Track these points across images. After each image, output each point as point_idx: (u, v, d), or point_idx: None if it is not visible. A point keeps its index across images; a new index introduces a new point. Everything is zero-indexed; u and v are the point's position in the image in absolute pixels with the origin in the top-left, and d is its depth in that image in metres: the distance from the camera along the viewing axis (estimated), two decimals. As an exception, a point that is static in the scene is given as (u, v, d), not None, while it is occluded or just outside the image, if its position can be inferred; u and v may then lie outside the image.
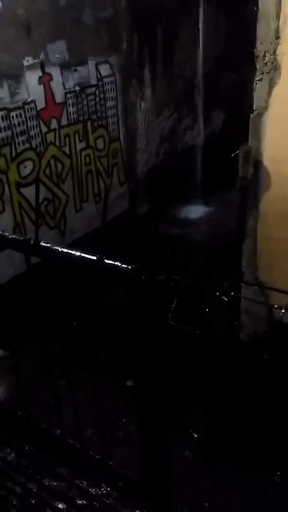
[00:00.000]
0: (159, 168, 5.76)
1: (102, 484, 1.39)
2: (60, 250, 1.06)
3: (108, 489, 1.38)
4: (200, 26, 5.68)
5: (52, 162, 4.39)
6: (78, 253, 1.03)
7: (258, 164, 2.90)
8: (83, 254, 1.03)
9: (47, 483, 1.61)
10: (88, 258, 1.02)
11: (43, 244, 1.10)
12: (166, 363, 1.07)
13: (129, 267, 0.97)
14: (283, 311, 1.17)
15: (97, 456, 1.35)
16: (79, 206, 4.80)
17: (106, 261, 1.00)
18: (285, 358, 2.97)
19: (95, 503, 1.46)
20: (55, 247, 1.08)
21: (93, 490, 1.46)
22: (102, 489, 1.42)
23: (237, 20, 5.96)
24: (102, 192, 5.05)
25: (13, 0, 3.66)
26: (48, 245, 1.10)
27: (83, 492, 1.50)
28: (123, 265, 0.98)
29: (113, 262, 1.00)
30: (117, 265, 0.99)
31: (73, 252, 1.03)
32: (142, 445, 1.18)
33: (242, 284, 3.15)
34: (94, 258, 1.01)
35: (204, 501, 2.02)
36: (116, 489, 1.35)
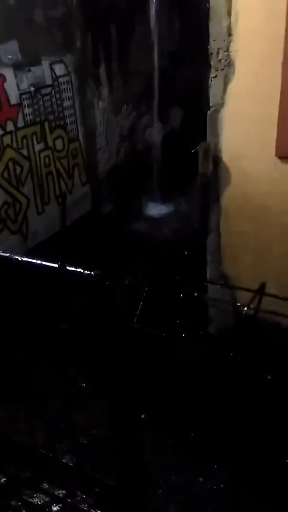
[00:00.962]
0: (121, 167, 5.74)
1: (78, 492, 1.37)
2: (20, 259, 1.03)
3: (84, 496, 1.36)
4: (154, 22, 5.68)
5: (10, 165, 4.29)
6: (39, 261, 1.00)
7: (217, 160, 2.94)
8: (44, 262, 1.01)
9: (22, 496, 1.58)
10: (50, 266, 0.99)
11: (2, 254, 1.07)
12: (135, 367, 1.06)
13: (92, 273, 0.95)
14: (245, 309, 1.19)
15: (70, 464, 1.33)
16: (41, 209, 4.72)
17: (69, 268, 0.98)
18: (254, 350, 3.03)
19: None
20: (14, 257, 1.05)
21: (69, 498, 1.44)
22: (77, 497, 1.40)
23: (191, 16, 6.00)
24: (64, 193, 4.99)
25: None
26: (7, 254, 1.06)
27: (59, 501, 1.48)
28: (86, 272, 0.97)
29: (75, 269, 0.98)
30: (80, 272, 0.97)
31: (34, 261, 1.01)
32: (116, 451, 1.17)
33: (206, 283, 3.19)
34: (56, 265, 0.99)
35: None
36: (92, 495, 1.34)
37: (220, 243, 3.19)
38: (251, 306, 1.25)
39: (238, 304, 1.30)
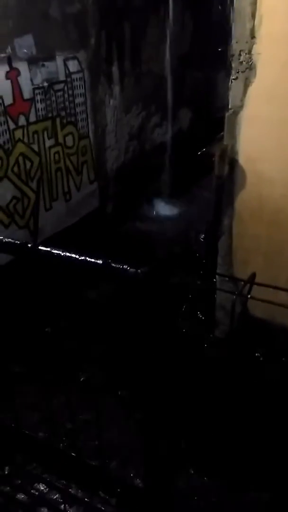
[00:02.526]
0: (129, 166, 5.74)
1: (100, 492, 1.35)
2: (63, 254, 1.01)
3: (107, 497, 1.34)
4: (168, 24, 5.68)
5: (20, 159, 4.27)
6: (82, 258, 0.99)
7: (233, 163, 2.93)
8: (88, 258, 1.00)
9: (42, 494, 1.56)
10: (95, 262, 0.98)
11: (43, 248, 1.05)
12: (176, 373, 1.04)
13: (139, 270, 0.94)
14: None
15: (93, 463, 1.31)
16: (48, 205, 4.71)
17: (113, 265, 0.97)
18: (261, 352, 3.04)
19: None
20: (56, 251, 1.03)
21: (90, 499, 1.42)
22: (99, 498, 1.38)
23: (203, 19, 6.01)
24: (72, 190, 4.97)
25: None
26: (48, 249, 1.05)
27: (79, 502, 1.46)
28: (131, 269, 0.96)
29: (120, 266, 0.97)
30: (126, 268, 0.96)
31: (77, 257, 0.99)
32: (146, 454, 1.16)
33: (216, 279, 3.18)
34: (100, 262, 0.98)
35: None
36: (115, 496, 1.32)
37: (232, 245, 3.19)
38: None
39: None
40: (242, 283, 2.68)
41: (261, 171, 2.90)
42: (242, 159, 2.93)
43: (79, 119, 4.91)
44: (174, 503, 1.22)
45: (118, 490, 1.28)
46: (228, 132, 2.89)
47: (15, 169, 4.21)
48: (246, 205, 3.04)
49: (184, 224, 5.05)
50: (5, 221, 4.22)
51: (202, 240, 3.45)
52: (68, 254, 1.01)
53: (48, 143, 4.56)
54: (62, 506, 1.59)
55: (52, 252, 1.03)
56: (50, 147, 4.60)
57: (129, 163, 5.75)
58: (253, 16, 2.56)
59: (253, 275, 2.79)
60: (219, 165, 2.91)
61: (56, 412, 1.39)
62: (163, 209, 5.73)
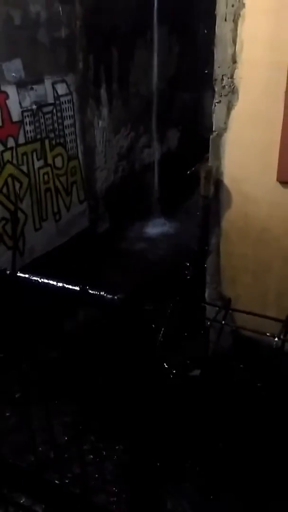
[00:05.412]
0: (118, 186, 5.79)
1: None
2: (41, 281, 1.02)
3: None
4: (154, 46, 5.81)
5: (9, 181, 4.30)
6: (60, 284, 1.00)
7: (219, 183, 2.98)
8: (65, 285, 1.01)
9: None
10: (72, 289, 0.99)
11: (21, 275, 1.06)
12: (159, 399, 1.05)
13: (115, 297, 0.95)
14: (276, 339, 1.19)
15: (77, 491, 1.29)
16: (38, 225, 4.72)
17: (90, 291, 0.98)
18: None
19: None
20: (34, 278, 1.04)
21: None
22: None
23: (189, 42, 6.15)
24: (62, 210, 5.00)
25: None
26: (26, 275, 1.05)
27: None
28: (108, 296, 0.97)
29: (97, 292, 0.98)
30: (102, 295, 0.97)
31: (55, 283, 1.00)
32: (130, 486, 1.15)
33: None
34: (77, 289, 0.99)
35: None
36: None
37: (219, 264, 3.22)
38: (281, 337, 1.26)
39: (268, 334, 1.30)
40: (217, 309, 2.71)
41: (246, 192, 2.94)
42: (227, 179, 2.97)
43: (68, 140, 4.98)
44: None
45: None
46: (213, 153, 2.94)
47: (4, 190, 4.24)
48: (232, 225, 3.08)
49: (173, 243, 5.08)
50: (-5, 242, 4.23)
51: (187, 264, 3.49)
52: (45, 280, 1.02)
53: (37, 164, 4.61)
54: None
55: (30, 279, 1.03)
56: (39, 168, 4.64)
57: (119, 183, 5.80)
58: (234, 42, 2.64)
59: (229, 301, 2.82)
60: (204, 186, 2.95)
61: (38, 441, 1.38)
62: (153, 228, 5.77)
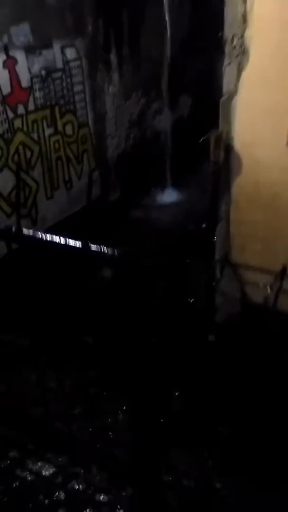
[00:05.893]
0: (130, 153, 5.73)
1: (93, 467, 1.43)
2: (43, 237, 1.05)
3: (99, 471, 1.42)
4: (166, 8, 5.61)
5: (20, 149, 4.30)
6: (62, 240, 1.02)
7: (229, 148, 2.94)
8: (68, 241, 1.03)
9: (40, 469, 1.64)
10: (73, 245, 1.02)
11: (26, 231, 1.10)
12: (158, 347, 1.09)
13: (115, 252, 0.98)
14: (269, 290, 1.21)
15: (85, 440, 1.38)
16: (50, 194, 4.74)
17: (92, 247, 1.00)
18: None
19: (87, 486, 1.50)
20: (37, 234, 1.07)
21: (84, 472, 1.49)
22: (93, 472, 1.46)
23: (202, 3, 5.92)
24: (73, 178, 5.00)
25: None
26: (31, 232, 1.09)
27: (74, 476, 1.53)
28: (108, 251, 0.99)
29: (98, 248, 1.01)
30: (103, 250, 0.99)
31: (57, 239, 1.03)
32: (133, 433, 1.21)
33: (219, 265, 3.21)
34: (79, 244, 1.01)
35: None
36: (107, 471, 1.39)
37: (229, 231, 3.21)
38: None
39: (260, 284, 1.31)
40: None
41: (257, 157, 2.90)
42: (237, 144, 2.93)
43: (78, 107, 4.91)
44: (160, 477, 1.29)
45: (110, 465, 1.36)
46: (223, 117, 2.89)
47: (15, 158, 4.25)
48: (243, 191, 3.05)
49: (185, 211, 5.06)
50: (7, 210, 4.27)
51: (200, 227, 3.48)
52: (49, 237, 1.05)
53: (48, 131, 4.58)
54: (60, 479, 1.68)
55: (34, 236, 1.06)
56: (49, 136, 4.61)
57: (130, 150, 5.74)
58: (244, 0, 2.55)
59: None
60: (214, 151, 2.91)
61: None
62: (165, 196, 5.74)
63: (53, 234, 1.15)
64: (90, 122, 5.10)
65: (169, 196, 5.76)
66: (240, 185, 3.02)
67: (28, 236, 1.07)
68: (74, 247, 1.01)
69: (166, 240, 4.43)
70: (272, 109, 2.72)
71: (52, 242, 1.03)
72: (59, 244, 1.02)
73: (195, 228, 3.87)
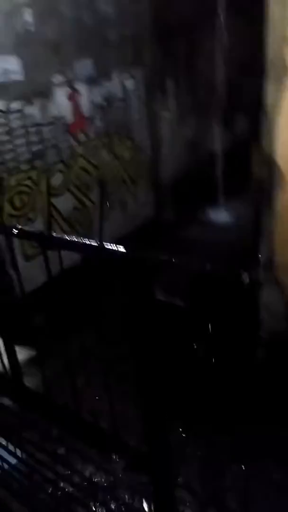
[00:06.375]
0: (184, 175, 5.89)
1: (112, 455, 1.53)
2: (65, 238, 1.20)
3: (118, 459, 1.51)
4: (221, 32, 5.74)
5: (81, 173, 4.61)
6: (81, 241, 1.17)
7: (272, 164, 2.97)
8: (85, 241, 1.17)
9: (62, 455, 1.76)
10: (90, 244, 1.15)
11: (54, 235, 1.26)
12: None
13: (117, 248, 1.10)
14: None
15: (105, 428, 1.48)
16: (106, 214, 4.99)
17: (92, 243, 1.13)
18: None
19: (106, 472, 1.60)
20: (59, 236, 1.22)
21: (103, 460, 1.59)
22: (112, 460, 1.55)
23: (257, 24, 6.00)
24: (129, 200, 5.23)
25: (43, 23, 3.94)
26: (55, 234, 1.25)
27: (95, 462, 1.63)
28: (110, 246, 1.12)
29: (98, 243, 1.13)
30: (104, 245, 1.11)
31: (75, 239, 1.17)
32: (145, 420, 1.30)
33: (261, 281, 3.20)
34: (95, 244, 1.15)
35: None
36: (124, 459, 1.48)
37: (274, 248, 3.20)
38: None
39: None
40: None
41: (300, 172, 2.90)
42: (281, 161, 2.95)
43: (136, 133, 5.19)
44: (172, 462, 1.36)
45: (127, 453, 1.44)
46: (266, 134, 2.95)
47: (76, 182, 4.56)
48: (286, 206, 3.05)
49: (236, 230, 5.06)
50: (67, 230, 4.57)
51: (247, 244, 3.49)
52: (69, 238, 1.18)
53: (107, 157, 4.88)
54: (80, 465, 1.79)
55: (56, 237, 1.20)
56: (108, 161, 4.90)
57: (185, 172, 5.89)
58: (284, 22, 2.63)
59: None
60: (257, 167, 2.96)
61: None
62: (220, 216, 5.77)
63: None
64: (147, 147, 5.33)
65: (223, 215, 5.79)
66: (284, 200, 3.03)
67: (51, 238, 1.22)
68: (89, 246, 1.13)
69: (213, 257, 4.44)
70: (314, 125, 2.73)
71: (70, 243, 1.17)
72: (76, 243, 1.14)
73: (243, 246, 3.88)
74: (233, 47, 5.98)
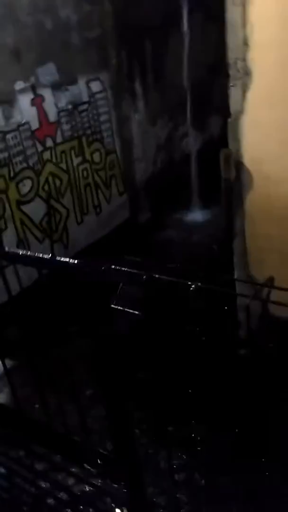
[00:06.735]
0: (158, 176, 5.91)
1: (84, 465, 1.55)
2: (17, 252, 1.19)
3: (90, 468, 1.53)
4: (188, 35, 5.78)
5: (50, 178, 4.57)
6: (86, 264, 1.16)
7: (239, 166, 3.01)
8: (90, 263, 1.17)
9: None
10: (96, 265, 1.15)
11: (58, 258, 1.25)
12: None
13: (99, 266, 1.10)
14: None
15: (77, 439, 1.49)
16: (80, 219, 4.97)
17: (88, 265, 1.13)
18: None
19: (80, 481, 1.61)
20: (64, 260, 1.21)
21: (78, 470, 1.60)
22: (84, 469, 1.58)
23: (218, 30, 6.05)
24: (102, 203, 5.21)
25: (2, 29, 3.88)
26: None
27: (68, 473, 1.64)
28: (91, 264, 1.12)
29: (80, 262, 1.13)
30: (87, 262, 1.12)
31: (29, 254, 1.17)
32: (110, 424, 1.31)
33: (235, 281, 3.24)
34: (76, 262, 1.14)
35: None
36: (96, 467, 1.50)
37: (246, 246, 3.25)
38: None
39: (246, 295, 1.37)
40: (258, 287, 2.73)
41: (267, 172, 2.95)
42: (247, 161, 2.99)
43: (105, 135, 5.17)
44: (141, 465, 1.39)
45: (99, 461, 1.46)
46: (232, 136, 2.98)
47: (46, 187, 4.51)
48: (256, 206, 3.09)
49: (210, 230, 5.12)
50: (39, 236, 4.52)
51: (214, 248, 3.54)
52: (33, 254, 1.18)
53: (76, 161, 4.84)
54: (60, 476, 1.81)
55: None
56: (78, 165, 4.87)
57: (158, 173, 5.91)
58: (244, 24, 2.66)
59: (271, 279, 2.84)
60: (225, 169, 3.00)
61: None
62: (193, 216, 5.82)
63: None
64: (118, 149, 5.33)
65: (197, 216, 5.84)
66: (253, 200, 3.07)
67: (12, 254, 1.21)
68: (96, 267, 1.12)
69: (188, 258, 4.49)
70: (278, 126, 2.78)
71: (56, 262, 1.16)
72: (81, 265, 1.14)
73: (215, 245, 3.93)
74: (199, 49, 6.02)
